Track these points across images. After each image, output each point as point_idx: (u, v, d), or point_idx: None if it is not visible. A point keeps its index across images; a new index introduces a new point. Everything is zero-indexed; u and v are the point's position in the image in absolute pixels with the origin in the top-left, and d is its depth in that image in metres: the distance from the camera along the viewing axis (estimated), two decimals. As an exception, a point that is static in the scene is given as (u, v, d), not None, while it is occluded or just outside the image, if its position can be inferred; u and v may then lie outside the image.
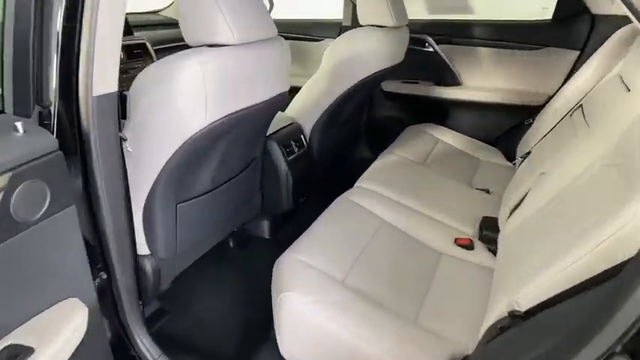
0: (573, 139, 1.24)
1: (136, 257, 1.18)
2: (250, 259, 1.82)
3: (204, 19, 1.08)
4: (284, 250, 1.27)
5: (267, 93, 1.30)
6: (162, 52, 2.01)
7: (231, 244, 1.84)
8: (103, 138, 0.94)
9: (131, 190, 1.15)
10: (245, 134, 1.39)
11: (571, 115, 1.43)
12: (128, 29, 2.14)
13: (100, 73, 0.89)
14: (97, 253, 1.05)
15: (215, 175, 1.36)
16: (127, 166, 1.12)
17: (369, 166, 1.86)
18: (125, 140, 1.09)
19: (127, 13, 2.19)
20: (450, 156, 2.04)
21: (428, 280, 1.22)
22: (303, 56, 2.67)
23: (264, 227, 1.91)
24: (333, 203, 1.50)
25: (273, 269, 1.19)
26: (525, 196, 1.30)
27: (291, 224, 1.99)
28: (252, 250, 1.87)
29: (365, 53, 1.79)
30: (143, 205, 1.19)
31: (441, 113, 2.40)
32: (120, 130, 1.06)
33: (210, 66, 1.05)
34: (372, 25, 1.86)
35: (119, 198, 1.04)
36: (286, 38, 2.55)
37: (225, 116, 1.15)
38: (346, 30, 2.41)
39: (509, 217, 1.35)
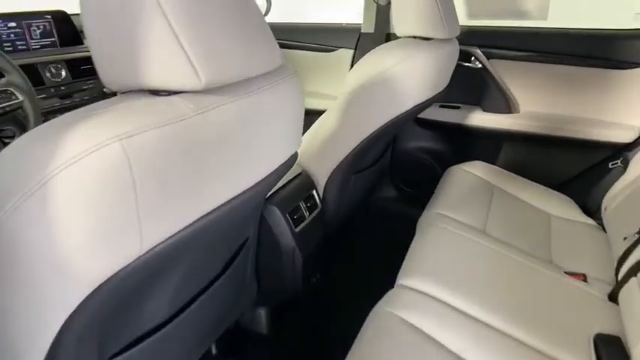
0: None
1: None
2: (241, 368, 1.28)
3: (141, 47, 0.53)
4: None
5: (266, 165, 0.75)
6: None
7: (214, 350, 1.28)
8: None
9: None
10: (229, 228, 0.84)
11: None
12: (76, 36, 1.61)
13: None
14: None
15: (177, 295, 0.82)
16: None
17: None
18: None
19: (74, 14, 1.63)
20: (514, 213, 1.50)
21: None
22: (310, 71, 2.10)
23: (261, 319, 1.35)
24: (366, 323, 0.95)
25: None
26: None
27: (298, 311, 1.44)
28: (244, 354, 1.31)
29: (407, 77, 1.24)
30: None
31: (489, 148, 1.86)
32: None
33: (146, 140, 0.50)
34: (415, 37, 1.32)
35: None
36: (288, 47, 1.97)
37: (184, 229, 0.60)
38: (367, 38, 1.88)
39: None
